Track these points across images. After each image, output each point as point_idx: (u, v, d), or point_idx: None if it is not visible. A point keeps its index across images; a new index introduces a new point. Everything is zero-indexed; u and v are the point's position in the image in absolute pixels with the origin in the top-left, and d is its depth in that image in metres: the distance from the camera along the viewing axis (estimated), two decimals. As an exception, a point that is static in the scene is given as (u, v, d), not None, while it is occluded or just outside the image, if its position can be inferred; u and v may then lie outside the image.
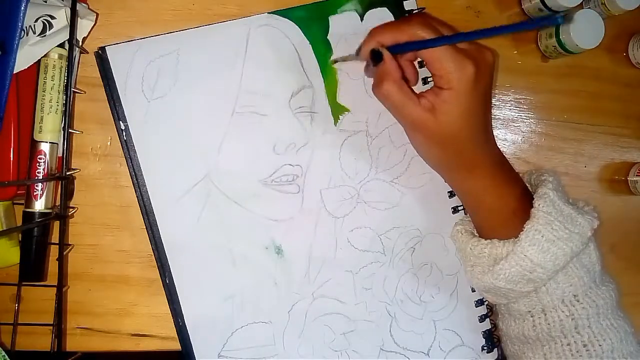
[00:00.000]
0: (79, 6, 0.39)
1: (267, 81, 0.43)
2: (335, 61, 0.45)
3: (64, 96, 0.39)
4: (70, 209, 0.42)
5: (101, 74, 0.40)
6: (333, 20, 0.45)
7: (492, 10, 0.53)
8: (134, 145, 0.40)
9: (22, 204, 0.40)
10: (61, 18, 0.38)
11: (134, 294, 0.44)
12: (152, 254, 0.41)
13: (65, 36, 0.39)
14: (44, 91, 0.39)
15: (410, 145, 0.43)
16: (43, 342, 0.41)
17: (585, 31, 0.50)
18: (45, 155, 0.39)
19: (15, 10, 0.37)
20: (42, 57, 0.39)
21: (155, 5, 0.44)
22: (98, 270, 0.44)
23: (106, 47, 0.40)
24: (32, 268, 0.40)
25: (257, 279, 0.43)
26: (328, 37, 0.45)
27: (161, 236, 0.41)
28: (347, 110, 0.46)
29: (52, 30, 0.38)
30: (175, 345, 0.43)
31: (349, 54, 0.44)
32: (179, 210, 0.41)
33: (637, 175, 0.56)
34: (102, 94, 0.41)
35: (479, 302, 0.49)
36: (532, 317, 0.41)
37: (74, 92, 0.41)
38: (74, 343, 0.43)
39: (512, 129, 0.54)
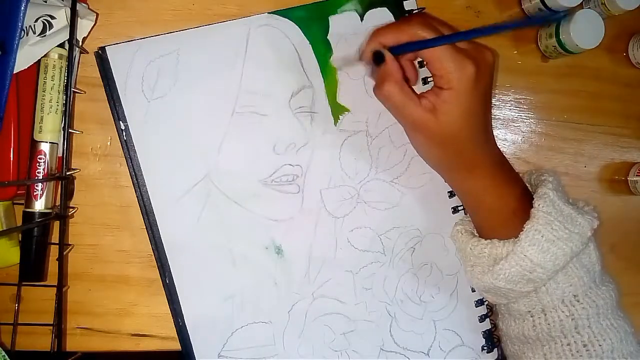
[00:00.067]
0: (79, 6, 0.39)
1: (267, 81, 0.43)
2: (339, 67, 0.45)
3: (64, 96, 0.39)
4: (70, 209, 0.42)
5: (101, 74, 0.40)
6: (333, 20, 0.45)
7: (492, 10, 0.53)
8: (134, 145, 0.40)
9: (22, 204, 0.40)
10: (61, 18, 0.38)
11: (134, 294, 0.44)
12: (152, 254, 0.41)
13: (65, 36, 0.39)
14: (44, 91, 0.39)
15: (410, 145, 0.43)
16: (43, 342, 0.41)
17: (585, 31, 0.50)
18: (45, 155, 0.39)
19: (15, 10, 0.37)
20: (42, 57, 0.39)
21: (155, 5, 0.44)
22: (98, 270, 0.44)
23: (106, 47, 0.40)
24: (32, 268, 0.40)
25: (257, 279, 0.43)
26: (328, 37, 0.45)
27: (161, 236, 0.41)
28: (347, 110, 0.46)
29: (52, 30, 0.38)
30: (175, 345, 0.43)
31: (351, 57, 0.44)
32: (179, 210, 0.41)
33: (637, 175, 0.56)
34: (102, 94, 0.41)
35: (479, 302, 0.49)
36: (532, 317, 0.41)
37: (74, 92, 0.41)
38: (74, 343, 0.43)
39: (512, 129, 0.54)
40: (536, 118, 0.55)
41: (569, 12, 0.50)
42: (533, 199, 0.40)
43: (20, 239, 0.41)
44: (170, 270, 0.41)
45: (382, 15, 0.46)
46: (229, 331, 0.43)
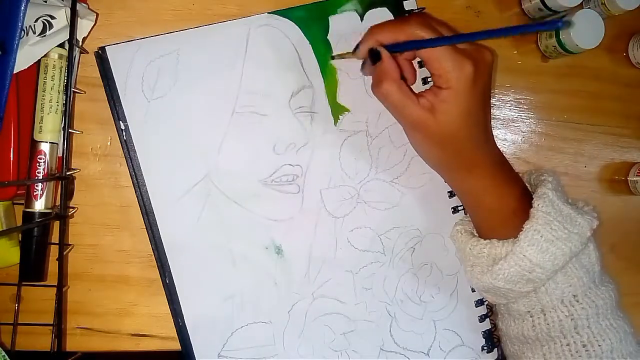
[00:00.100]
0: (79, 6, 0.39)
1: (267, 81, 0.43)
2: (333, 57, 0.45)
3: (64, 96, 0.39)
4: (70, 209, 0.42)
5: (101, 74, 0.40)
6: (333, 20, 0.45)
7: (492, 10, 0.53)
8: (134, 145, 0.40)
9: (22, 204, 0.40)
10: (61, 18, 0.38)
11: (134, 294, 0.44)
12: (152, 254, 0.42)
13: (65, 36, 0.39)
14: (44, 91, 0.39)
15: (410, 145, 0.43)
16: (43, 342, 0.41)
17: (585, 31, 0.50)
18: (45, 155, 0.39)
19: (15, 10, 0.37)
20: (42, 57, 0.39)
21: (155, 5, 0.44)
22: (98, 270, 0.44)
23: (106, 47, 0.40)
24: (32, 268, 0.40)
25: (257, 279, 0.43)
26: (328, 37, 0.45)
27: (161, 236, 0.41)
28: (347, 110, 0.46)
29: (52, 30, 0.38)
30: (175, 345, 0.43)
31: (347, 50, 0.44)
32: (179, 210, 0.41)
33: (637, 175, 0.56)
34: (102, 94, 0.41)
35: (479, 302, 0.49)
36: (531, 317, 0.41)
37: (74, 92, 0.41)
38: (74, 343, 0.43)
39: (512, 129, 0.54)
40: (536, 118, 0.55)
41: (569, 13, 0.50)
42: (532, 199, 0.40)
43: (20, 239, 0.41)
44: (170, 270, 0.41)
45: (382, 15, 0.46)
46: (229, 331, 0.43)
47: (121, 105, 0.40)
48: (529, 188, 0.43)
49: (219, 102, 0.42)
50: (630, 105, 0.58)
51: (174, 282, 0.41)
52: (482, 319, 0.49)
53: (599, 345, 0.39)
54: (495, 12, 0.53)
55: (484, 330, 0.50)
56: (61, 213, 0.40)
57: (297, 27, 0.44)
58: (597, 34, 0.50)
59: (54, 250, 0.41)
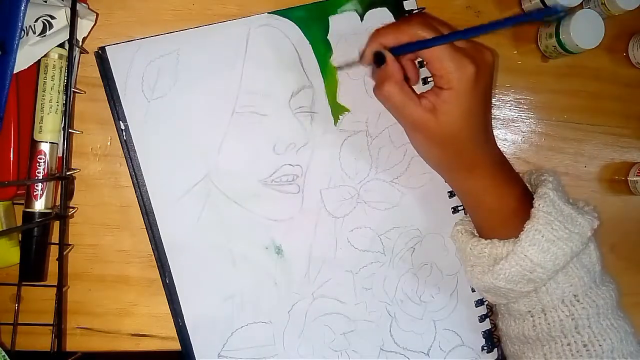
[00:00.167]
0: (79, 6, 0.39)
1: (267, 81, 0.43)
2: (340, 68, 0.45)
3: (64, 96, 0.39)
4: (70, 209, 0.42)
5: (101, 74, 0.40)
6: (333, 20, 0.45)
7: (492, 10, 0.53)
8: (134, 145, 0.40)
9: (22, 204, 0.40)
10: (61, 18, 0.38)
11: (134, 294, 0.44)
12: (152, 254, 0.41)
13: (65, 36, 0.39)
14: (44, 91, 0.39)
15: (410, 145, 0.43)
16: (43, 342, 0.41)
17: (585, 31, 0.50)
18: (45, 155, 0.39)
19: (15, 10, 0.37)
20: (42, 57, 0.39)
21: (155, 5, 0.44)
22: (98, 270, 0.44)
23: (106, 47, 0.40)
24: (32, 268, 0.40)
25: (257, 279, 0.43)
26: (328, 37, 0.45)
27: (161, 236, 0.41)
28: (347, 110, 0.46)
29: (52, 30, 0.38)
30: (175, 345, 0.43)
31: (352, 59, 0.44)
32: (179, 210, 0.41)
33: (637, 175, 0.56)
34: (102, 94, 0.41)
35: (479, 302, 0.49)
36: (532, 317, 0.41)
37: (74, 92, 0.41)
38: (74, 343, 0.43)
39: (512, 129, 0.54)
40: (536, 118, 0.55)
41: (569, 12, 0.50)
42: (533, 199, 0.40)
43: (20, 239, 0.41)
44: (170, 270, 0.41)
45: (382, 15, 0.46)
46: (229, 331, 0.43)
47: (121, 105, 0.40)
48: (529, 188, 0.43)
49: (219, 102, 0.42)
50: (630, 105, 0.58)
51: (174, 282, 0.41)
52: (482, 319, 0.49)
53: (600, 345, 0.39)
54: (495, 12, 0.53)
55: (484, 330, 0.50)
56: (61, 213, 0.40)
57: (297, 27, 0.44)
58: (597, 34, 0.50)
59: (54, 250, 0.41)
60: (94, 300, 0.44)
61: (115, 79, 0.40)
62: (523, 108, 0.54)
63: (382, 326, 0.47)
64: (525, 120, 0.54)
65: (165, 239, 0.41)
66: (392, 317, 0.47)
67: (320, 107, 0.45)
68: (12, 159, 0.39)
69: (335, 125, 0.45)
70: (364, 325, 0.46)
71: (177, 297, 0.41)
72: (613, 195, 0.58)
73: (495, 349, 0.50)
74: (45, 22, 0.38)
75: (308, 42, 0.44)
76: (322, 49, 0.45)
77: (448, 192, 0.48)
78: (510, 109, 0.54)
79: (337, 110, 0.45)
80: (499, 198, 0.41)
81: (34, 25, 0.38)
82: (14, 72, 0.38)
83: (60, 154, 0.41)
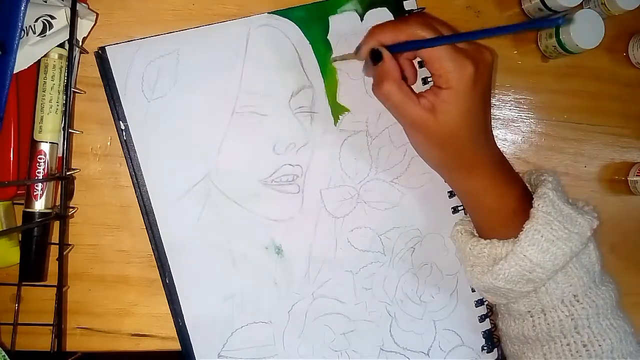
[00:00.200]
0: (79, 6, 0.39)
1: (267, 81, 0.43)
2: (335, 60, 0.45)
3: (64, 96, 0.39)
4: (70, 209, 0.42)
5: (101, 74, 0.40)
6: (333, 20, 0.45)
7: (492, 10, 0.53)
8: (134, 145, 0.40)
9: (22, 204, 0.40)
10: (61, 18, 0.38)
11: (134, 294, 0.44)
12: (152, 254, 0.42)
13: (65, 36, 0.39)
14: (44, 91, 0.39)
15: (410, 145, 0.43)
16: (43, 342, 0.41)
17: (585, 31, 0.50)
18: (45, 155, 0.39)
19: (15, 10, 0.37)
20: (42, 57, 0.39)
21: (155, 5, 0.44)
22: (98, 270, 0.44)
23: (106, 47, 0.40)
24: (32, 268, 0.40)
25: (257, 279, 0.43)
26: (328, 37, 0.45)
27: (161, 236, 0.41)
28: (347, 110, 0.46)
29: (52, 30, 0.38)
30: (175, 345, 0.43)
31: (348, 52, 0.44)
32: (179, 210, 0.41)
33: (637, 175, 0.56)
34: (102, 94, 0.41)
35: (479, 302, 0.49)
36: (531, 317, 0.41)
37: (74, 92, 0.41)
38: (74, 343, 0.43)
39: (512, 129, 0.54)
40: (536, 118, 0.55)
41: (569, 12, 0.50)
42: (533, 199, 0.40)
43: (20, 239, 0.41)
44: (170, 270, 0.41)
45: (382, 15, 0.46)
46: (229, 331, 0.43)
47: (121, 105, 0.40)
48: (529, 188, 0.43)
49: (219, 102, 0.42)
50: (630, 105, 0.58)
51: (174, 282, 0.41)
52: (482, 319, 0.49)
53: (600, 345, 0.39)
54: (495, 12, 0.53)
55: (484, 330, 0.50)
56: (61, 213, 0.40)
57: (297, 27, 0.44)
58: (597, 34, 0.50)
59: (54, 250, 0.41)
60: (94, 300, 0.44)
61: (115, 79, 0.40)
62: (523, 108, 0.54)
63: (382, 326, 0.47)
64: (525, 120, 0.54)
65: (165, 239, 0.41)
66: (392, 317, 0.47)
67: (320, 107, 0.45)
68: (12, 159, 0.39)
69: (335, 125, 0.45)
70: (364, 325, 0.46)
71: (177, 297, 0.41)
72: (613, 195, 0.58)
73: (495, 349, 0.50)
74: (45, 22, 0.38)
75: (308, 42, 0.44)
76: (322, 49, 0.45)
77: (448, 192, 0.48)
78: (510, 109, 0.54)
79: (337, 110, 0.46)
80: (498, 198, 0.41)
81: (34, 25, 0.38)
82: (14, 72, 0.38)
83: (60, 154, 0.41)
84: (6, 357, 0.38)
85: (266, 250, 0.44)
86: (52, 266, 0.41)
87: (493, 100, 0.53)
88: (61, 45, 0.39)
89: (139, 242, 0.43)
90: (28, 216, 0.39)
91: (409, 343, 0.47)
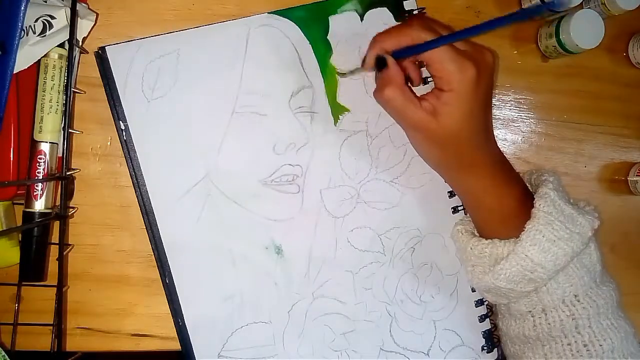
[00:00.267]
0: (79, 6, 0.39)
1: (267, 81, 0.43)
2: (344, 76, 0.45)
3: (64, 96, 0.39)
4: (70, 209, 0.42)
5: (101, 74, 0.40)
6: (333, 20, 0.45)
7: (492, 10, 0.53)
8: (134, 145, 0.40)
9: (22, 204, 0.40)
10: (61, 18, 0.38)
11: (134, 294, 0.44)
12: (152, 254, 0.41)
13: (65, 36, 0.39)
14: (44, 91, 0.39)
15: (410, 145, 0.43)
16: (43, 342, 0.41)
17: (585, 31, 0.50)
18: (45, 155, 0.39)
19: (15, 10, 0.37)
20: (42, 57, 0.39)
21: (155, 5, 0.44)
22: (98, 270, 0.44)
23: (106, 47, 0.40)
24: (32, 268, 0.40)
25: (257, 279, 0.43)
26: (328, 37, 0.45)
27: (161, 236, 0.41)
28: (347, 110, 0.46)
29: (52, 30, 0.38)
30: (175, 345, 0.43)
31: (354, 66, 0.44)
32: (179, 210, 0.41)
33: (637, 175, 0.56)
34: (102, 94, 0.41)
35: (479, 302, 0.49)
36: (532, 317, 0.41)
37: (74, 92, 0.41)
38: (74, 343, 0.43)
39: (512, 129, 0.54)
40: (536, 118, 0.55)
41: (569, 12, 0.50)
42: (534, 199, 0.40)
43: (20, 239, 0.41)
44: (170, 270, 0.41)
45: (382, 15, 0.46)
46: (229, 331, 0.43)
47: (121, 105, 0.40)
48: (529, 188, 0.43)
49: (219, 102, 0.42)
50: (630, 105, 0.58)
51: (174, 282, 0.41)
52: (482, 319, 0.49)
53: (600, 345, 0.39)
54: (495, 12, 0.53)
55: (484, 330, 0.50)
56: (61, 213, 0.40)
57: (297, 27, 0.44)
58: (597, 34, 0.50)
59: (54, 250, 0.41)
60: (94, 300, 0.44)
61: (115, 79, 0.40)
62: (523, 108, 0.54)
63: (382, 326, 0.47)
64: (525, 120, 0.54)
65: (165, 239, 0.41)
66: (392, 317, 0.47)
67: (320, 107, 0.45)
68: (12, 159, 0.39)
69: (335, 125, 0.45)
70: (364, 325, 0.46)
71: (177, 297, 0.41)
72: (613, 195, 0.58)
73: (495, 349, 0.50)
74: (45, 22, 0.38)
75: (308, 42, 0.44)
76: (322, 49, 0.45)
77: (448, 192, 0.48)
78: (510, 109, 0.54)
79: (337, 110, 0.45)
80: (499, 198, 0.41)
81: (34, 25, 0.38)
82: (14, 72, 0.38)
83: (60, 154, 0.41)
84: (6, 357, 0.38)
85: (266, 250, 0.44)
86: (52, 266, 0.41)
87: (493, 100, 0.52)
88: (61, 45, 0.39)
89: (139, 242, 0.43)
90: (28, 216, 0.39)
91: (409, 343, 0.47)
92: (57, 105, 0.39)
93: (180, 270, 0.41)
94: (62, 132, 0.40)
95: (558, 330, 0.40)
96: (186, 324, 0.41)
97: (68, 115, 0.39)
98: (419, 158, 0.44)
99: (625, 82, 0.57)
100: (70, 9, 0.38)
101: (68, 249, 0.42)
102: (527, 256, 0.38)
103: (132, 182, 0.41)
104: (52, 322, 0.40)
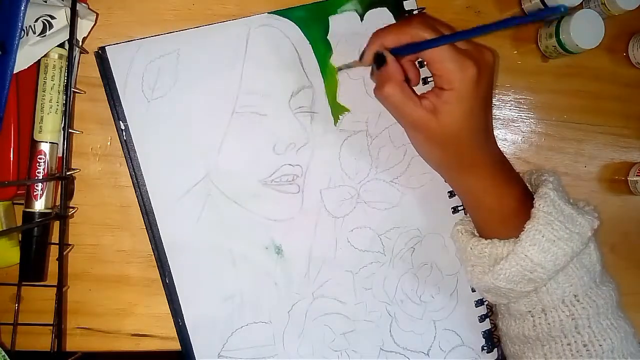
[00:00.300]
0: (79, 6, 0.39)
1: (267, 81, 0.43)
2: (340, 69, 0.45)
3: (64, 96, 0.39)
4: (70, 209, 0.42)
5: (101, 74, 0.40)
6: (333, 20, 0.45)
7: (492, 10, 0.53)
8: (134, 145, 0.40)
9: (22, 204, 0.40)
10: (61, 18, 0.38)
11: (134, 294, 0.44)
12: (152, 254, 0.41)
13: (65, 36, 0.39)
14: (44, 91, 0.39)
15: (411, 145, 0.43)
16: (43, 342, 0.41)
17: (585, 31, 0.50)
18: (45, 155, 0.39)
19: (15, 10, 0.37)
20: (42, 57, 0.39)
21: (155, 5, 0.44)
22: (98, 270, 0.44)
23: (106, 47, 0.40)
24: (32, 268, 0.40)
25: (257, 279, 0.43)
26: (328, 37, 0.45)
27: (161, 236, 0.41)
28: (347, 110, 0.46)
29: (52, 30, 0.38)
30: (175, 345, 0.43)
31: (352, 60, 0.44)
32: (179, 210, 0.41)
33: (637, 175, 0.56)
34: (102, 94, 0.41)
35: (479, 302, 0.49)
36: (532, 317, 0.41)
37: (74, 92, 0.41)
38: (74, 343, 0.43)
39: (512, 129, 0.54)
40: (536, 118, 0.55)
41: (569, 12, 0.50)
42: (533, 198, 0.40)
43: (20, 239, 0.41)
44: (170, 270, 0.41)
45: (382, 15, 0.46)
46: (229, 331, 0.43)
47: (121, 105, 0.40)
48: (529, 188, 0.43)
49: (219, 102, 0.42)
50: (630, 105, 0.58)
51: (174, 282, 0.41)
52: (482, 319, 0.49)
53: (600, 345, 0.39)
54: (495, 12, 0.53)
55: (484, 330, 0.50)
56: (61, 213, 0.40)
57: (297, 27, 0.44)
58: (597, 34, 0.50)
59: (54, 250, 0.41)
60: (94, 300, 0.44)
61: (115, 79, 0.40)
62: (523, 108, 0.54)
63: (382, 326, 0.47)
64: (525, 120, 0.54)
65: (165, 239, 0.41)
66: (392, 317, 0.47)
67: (320, 107, 0.45)
68: (12, 159, 0.39)
69: (335, 125, 0.45)
70: (363, 325, 0.46)
71: (177, 297, 0.41)
72: (613, 195, 0.58)
73: (495, 349, 0.50)
74: (45, 22, 0.38)
75: (308, 42, 0.44)
76: (322, 49, 0.45)
77: (448, 192, 0.48)
78: (510, 109, 0.54)
79: (337, 110, 0.45)
80: (499, 198, 0.41)
81: (34, 25, 0.38)
82: (14, 72, 0.38)
83: (60, 154, 0.41)
84: (6, 357, 0.38)
85: (266, 250, 0.44)
86: (52, 266, 0.41)
87: (493, 100, 0.52)
88: (61, 45, 0.39)
89: (139, 242, 0.43)
90: (28, 216, 0.39)
91: (409, 343, 0.47)
92: (57, 105, 0.39)
93: (180, 270, 0.41)
94: (62, 132, 0.40)
95: (558, 330, 0.40)
96: (186, 324, 0.41)
97: (68, 115, 0.39)
98: (419, 158, 0.44)
99: (625, 82, 0.57)
100: (70, 9, 0.38)
101: (68, 249, 0.42)
102: (527, 256, 0.38)
103: (132, 182, 0.41)
104: (52, 322, 0.40)
